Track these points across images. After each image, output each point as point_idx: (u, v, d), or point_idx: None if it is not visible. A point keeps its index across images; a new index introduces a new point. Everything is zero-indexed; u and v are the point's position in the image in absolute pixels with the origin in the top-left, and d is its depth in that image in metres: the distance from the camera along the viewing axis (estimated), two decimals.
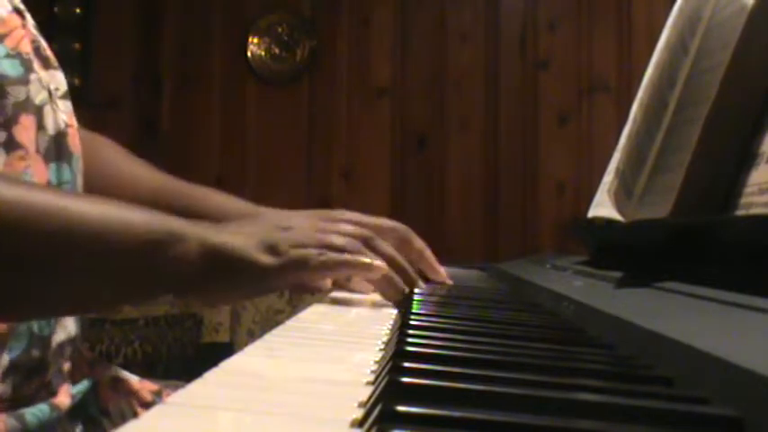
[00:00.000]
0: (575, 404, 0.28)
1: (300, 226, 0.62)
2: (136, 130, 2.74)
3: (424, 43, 2.79)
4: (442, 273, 0.79)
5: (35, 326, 0.59)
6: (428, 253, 0.78)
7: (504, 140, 2.75)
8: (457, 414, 0.25)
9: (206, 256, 0.54)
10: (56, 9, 2.79)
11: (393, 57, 2.79)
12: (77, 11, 2.81)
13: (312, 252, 0.59)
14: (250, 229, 0.59)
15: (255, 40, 2.83)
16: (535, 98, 2.74)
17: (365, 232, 0.65)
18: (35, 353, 0.59)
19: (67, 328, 0.64)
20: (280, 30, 2.83)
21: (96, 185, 0.77)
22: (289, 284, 0.61)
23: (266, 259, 0.57)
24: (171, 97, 2.85)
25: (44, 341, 0.60)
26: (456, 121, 2.76)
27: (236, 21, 2.84)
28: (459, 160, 2.75)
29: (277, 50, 2.82)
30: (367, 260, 0.62)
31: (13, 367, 0.57)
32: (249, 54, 2.83)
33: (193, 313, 2.57)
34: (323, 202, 2.69)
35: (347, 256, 0.61)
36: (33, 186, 0.55)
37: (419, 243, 0.77)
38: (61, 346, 0.62)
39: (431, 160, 2.76)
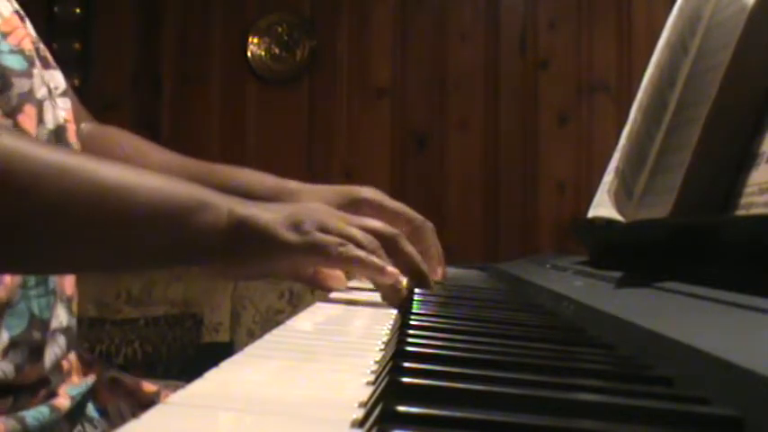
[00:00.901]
0: (575, 404, 0.28)
1: (328, 214, 0.63)
2: (136, 130, 2.72)
3: (424, 43, 2.79)
4: (440, 273, 0.79)
5: (35, 307, 0.60)
6: (435, 250, 0.79)
7: (504, 140, 2.75)
8: (457, 414, 0.25)
9: (233, 226, 0.55)
10: (56, 9, 2.79)
11: (393, 57, 2.79)
12: (77, 11, 2.81)
13: (333, 240, 0.59)
14: (278, 207, 0.61)
15: (255, 40, 2.83)
16: (535, 98, 2.74)
17: (391, 231, 0.65)
18: (36, 335, 0.60)
19: (59, 316, 0.64)
20: (280, 30, 2.83)
21: None
22: (307, 266, 0.62)
23: (290, 236, 0.57)
24: (171, 97, 2.84)
25: (44, 324, 0.61)
26: (456, 121, 2.76)
27: (236, 21, 2.84)
28: (459, 160, 2.75)
29: (277, 50, 2.82)
30: (381, 263, 0.61)
31: (13, 345, 0.58)
32: (249, 54, 2.83)
33: (193, 313, 2.57)
34: None
35: (365, 255, 0.60)
36: (70, 151, 0.56)
37: (431, 238, 0.78)
38: (54, 332, 0.63)
39: (431, 160, 2.76)
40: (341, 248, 0.59)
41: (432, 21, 2.79)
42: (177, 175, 0.80)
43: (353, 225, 0.62)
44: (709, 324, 0.39)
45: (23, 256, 0.52)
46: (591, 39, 2.71)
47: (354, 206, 0.77)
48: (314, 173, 2.77)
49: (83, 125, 0.83)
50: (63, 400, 0.62)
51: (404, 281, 0.64)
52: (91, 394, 0.69)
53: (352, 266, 0.62)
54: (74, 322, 0.67)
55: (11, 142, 0.48)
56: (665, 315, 0.44)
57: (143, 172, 0.55)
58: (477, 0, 2.77)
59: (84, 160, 0.52)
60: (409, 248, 0.65)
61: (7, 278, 0.58)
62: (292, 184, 0.81)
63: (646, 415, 0.27)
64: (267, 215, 0.57)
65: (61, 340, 0.64)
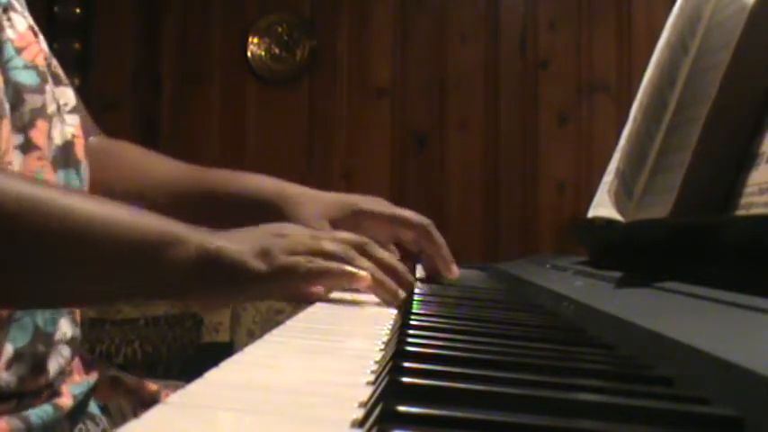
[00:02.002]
0: (575, 404, 0.28)
1: (295, 233, 0.63)
2: (136, 130, 2.73)
3: (424, 43, 2.79)
4: (456, 271, 0.81)
5: (39, 320, 0.61)
6: (446, 250, 0.81)
7: (504, 140, 2.75)
8: (457, 414, 0.25)
9: (202, 259, 0.55)
10: (56, 9, 2.79)
11: (393, 57, 2.79)
12: (77, 11, 2.81)
13: (301, 260, 0.59)
14: (246, 235, 0.60)
15: (255, 40, 2.83)
16: (535, 98, 2.74)
17: (359, 239, 0.65)
18: (40, 348, 0.60)
19: (63, 329, 0.64)
20: (280, 30, 2.83)
21: (126, 187, 0.79)
22: (280, 291, 0.62)
23: (259, 265, 0.57)
24: (171, 97, 2.84)
25: (48, 337, 0.61)
26: (456, 121, 2.76)
27: (236, 21, 2.84)
28: (459, 160, 2.75)
29: (277, 50, 2.82)
30: (351, 269, 0.61)
31: (18, 357, 0.58)
32: (249, 54, 2.83)
33: (193, 313, 2.57)
34: None
35: (332, 265, 0.61)
36: (38, 183, 0.57)
37: (439, 238, 0.80)
38: (59, 344, 0.63)
39: (431, 160, 2.76)
40: (309, 265, 0.59)
41: (432, 21, 2.79)
42: (179, 185, 0.81)
43: (321, 238, 0.63)
44: (710, 324, 0.39)
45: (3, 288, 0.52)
46: (591, 39, 2.71)
47: (354, 217, 0.77)
48: (314, 173, 2.77)
49: (91, 139, 0.83)
50: (66, 399, 0.62)
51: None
52: (92, 392, 0.69)
53: (324, 280, 0.62)
54: (78, 332, 0.67)
55: None
56: (665, 315, 0.44)
57: (114, 206, 0.54)
58: (477, 0, 2.77)
59: (56, 195, 0.52)
60: (380, 253, 0.65)
61: None
62: (292, 189, 0.81)
63: (646, 415, 0.27)
64: (235, 246, 0.57)
65: (65, 351, 0.64)
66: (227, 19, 2.85)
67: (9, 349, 0.58)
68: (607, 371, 0.35)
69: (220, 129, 2.83)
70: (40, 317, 0.61)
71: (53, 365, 0.62)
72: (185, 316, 2.56)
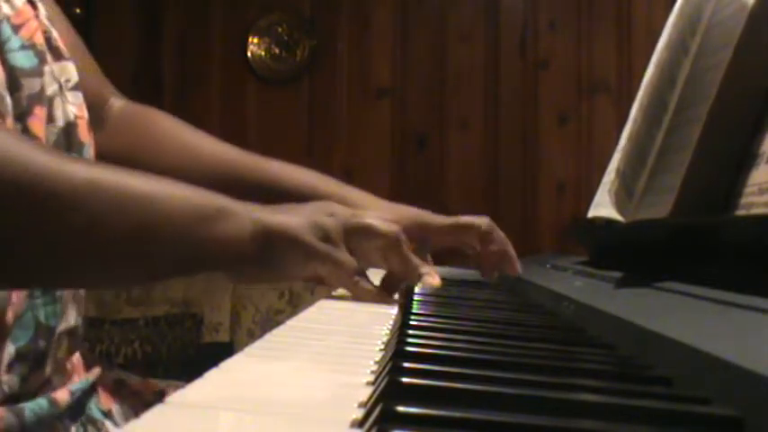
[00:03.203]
0: (575, 404, 0.28)
1: (343, 212, 0.65)
2: None
3: (424, 43, 2.79)
4: (518, 268, 0.83)
5: (41, 315, 0.60)
6: (510, 248, 0.83)
7: (504, 140, 2.74)
8: (457, 414, 0.25)
9: (257, 233, 0.56)
10: None
11: (393, 57, 2.79)
12: (77, 11, 2.81)
13: (352, 267, 0.62)
14: (298, 210, 0.62)
15: (255, 40, 2.83)
16: (535, 98, 2.74)
17: (394, 233, 0.66)
18: (41, 343, 0.60)
19: (69, 318, 0.64)
20: (280, 30, 2.83)
21: (164, 161, 0.78)
22: (321, 274, 0.63)
23: (316, 243, 0.59)
24: (171, 97, 2.84)
25: (50, 331, 0.61)
26: (456, 121, 2.76)
27: (236, 21, 2.84)
28: (459, 160, 2.75)
29: (277, 50, 2.82)
30: (382, 295, 0.66)
31: (19, 357, 0.57)
32: (249, 54, 2.83)
33: (193, 313, 2.57)
34: None
35: (368, 287, 0.65)
36: (99, 166, 0.56)
37: (502, 237, 0.82)
38: (60, 336, 0.63)
39: (431, 160, 2.76)
40: (353, 279, 0.63)
41: (432, 21, 2.79)
42: (230, 169, 0.80)
43: (365, 225, 0.64)
44: (709, 324, 0.39)
45: (56, 272, 0.51)
46: (591, 39, 2.71)
47: (419, 228, 0.79)
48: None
49: (112, 101, 0.80)
50: (63, 395, 0.61)
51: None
52: (94, 395, 0.68)
53: (353, 293, 0.65)
54: (80, 321, 0.66)
55: (45, 161, 0.47)
56: (665, 315, 0.44)
57: (166, 183, 0.54)
58: (477, 0, 2.77)
59: (111, 173, 0.52)
60: (408, 253, 0.67)
61: (14, 296, 0.57)
62: (356, 195, 0.82)
63: (646, 415, 0.27)
64: (293, 220, 0.59)
65: (64, 342, 0.63)
66: (227, 19, 2.85)
67: (11, 349, 0.57)
68: (607, 371, 0.35)
69: (220, 129, 2.82)
70: (42, 311, 0.60)
71: (51, 357, 0.61)
72: (185, 316, 2.56)
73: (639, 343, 0.39)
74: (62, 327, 0.62)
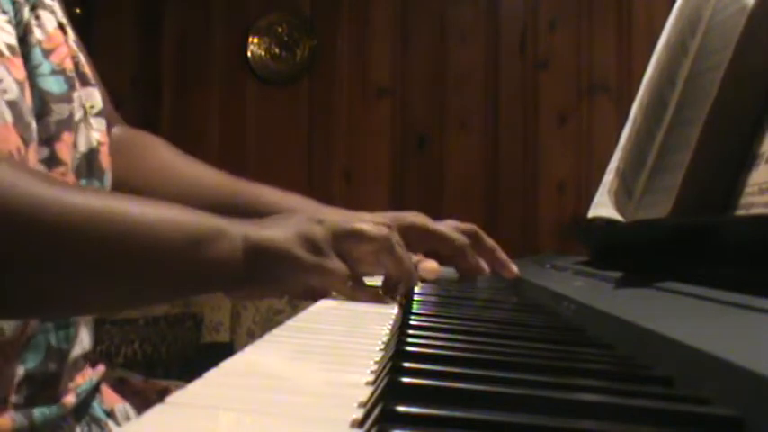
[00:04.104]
0: (575, 404, 0.28)
1: (331, 217, 0.64)
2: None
3: (424, 43, 2.79)
4: (514, 270, 0.86)
5: (53, 339, 0.60)
6: (499, 253, 0.86)
7: (504, 140, 2.75)
8: (457, 414, 0.25)
9: (249, 251, 0.56)
10: None
11: (393, 57, 2.79)
12: (77, 11, 2.81)
13: (343, 273, 0.61)
14: (286, 222, 0.61)
15: (255, 40, 2.83)
16: (535, 98, 2.74)
17: (387, 236, 0.66)
18: (51, 366, 0.59)
19: (83, 342, 0.64)
20: (280, 30, 2.83)
21: (153, 185, 0.78)
22: (314, 286, 0.63)
23: (305, 255, 0.59)
24: (171, 97, 2.84)
25: (62, 354, 0.61)
26: (456, 121, 2.76)
27: (236, 21, 2.84)
28: (460, 160, 2.75)
29: (277, 50, 2.82)
30: (381, 296, 0.66)
31: (28, 378, 0.57)
32: (249, 54, 2.83)
33: (193, 313, 2.57)
34: (323, 202, 2.69)
35: (364, 291, 0.65)
36: (96, 192, 0.56)
37: (490, 242, 0.86)
38: (76, 360, 0.63)
39: (431, 160, 2.76)
40: (347, 284, 0.62)
41: (432, 21, 2.79)
42: (213, 193, 0.81)
43: (353, 231, 0.64)
44: (710, 324, 0.39)
45: (53, 301, 0.51)
46: (591, 39, 2.71)
47: (401, 233, 0.78)
48: (314, 173, 2.77)
49: (114, 129, 0.81)
50: (70, 397, 0.62)
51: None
52: (97, 394, 0.69)
53: (351, 298, 0.65)
54: (92, 339, 0.67)
55: (40, 191, 0.47)
56: (665, 315, 0.44)
57: (155, 205, 0.54)
58: (478, 0, 2.77)
59: (108, 200, 0.52)
60: (402, 253, 0.67)
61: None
62: (329, 211, 0.82)
63: (646, 415, 0.27)
64: (281, 234, 0.59)
65: (80, 364, 0.64)
66: (227, 19, 2.85)
67: (20, 371, 0.57)
68: (607, 371, 0.35)
69: (220, 129, 2.83)
70: (54, 335, 0.60)
71: (63, 380, 0.61)
72: (185, 316, 2.56)
73: (639, 343, 0.39)
74: (77, 351, 0.63)
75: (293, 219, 0.62)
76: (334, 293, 0.69)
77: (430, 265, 0.78)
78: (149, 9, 2.88)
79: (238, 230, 0.57)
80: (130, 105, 2.80)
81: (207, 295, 2.50)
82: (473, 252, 0.83)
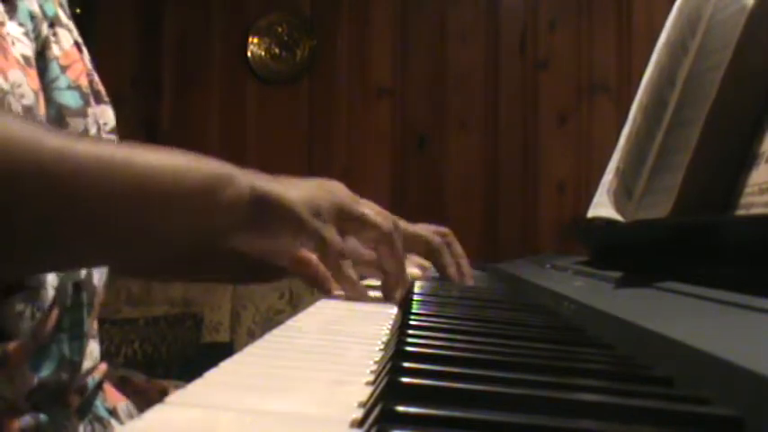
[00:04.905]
0: (575, 404, 0.28)
1: (340, 191, 0.65)
2: (136, 130, 2.74)
3: (424, 43, 2.79)
4: (467, 281, 0.85)
5: (66, 350, 0.60)
6: (466, 263, 0.86)
7: (504, 140, 2.75)
8: (457, 414, 0.25)
9: (254, 200, 0.57)
10: None
11: (393, 57, 2.79)
12: (77, 11, 2.81)
13: (339, 247, 0.62)
14: (296, 184, 0.62)
15: (255, 40, 2.83)
16: (535, 98, 2.74)
17: (389, 228, 0.67)
18: (64, 376, 0.60)
19: (93, 353, 0.65)
20: (280, 30, 2.83)
21: None
22: (308, 249, 0.63)
23: (308, 217, 0.60)
24: (171, 97, 2.85)
25: (74, 365, 0.61)
26: (456, 121, 2.76)
27: (236, 21, 2.84)
28: (460, 160, 2.75)
29: (277, 50, 2.82)
30: (361, 293, 0.66)
31: (40, 387, 0.58)
32: (249, 54, 2.83)
33: (193, 313, 2.57)
34: None
35: (353, 280, 0.65)
36: (102, 141, 0.56)
37: (459, 250, 0.87)
38: (88, 371, 0.64)
39: (431, 160, 2.76)
40: (339, 262, 0.63)
41: (432, 21, 2.79)
42: None
43: (359, 215, 0.65)
44: (710, 324, 0.39)
45: (68, 250, 0.52)
46: (591, 39, 2.72)
47: None
48: (314, 172, 2.77)
49: None
50: (74, 397, 0.62)
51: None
52: (100, 393, 0.69)
53: (339, 281, 0.65)
54: (99, 347, 0.67)
55: (53, 142, 0.48)
56: (665, 315, 0.44)
57: (167, 152, 0.55)
58: (478, 0, 2.77)
59: (118, 149, 0.52)
60: (399, 246, 0.68)
61: (42, 329, 0.57)
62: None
63: (646, 415, 0.27)
64: (289, 192, 0.60)
65: (92, 375, 0.64)
66: (227, 19, 2.85)
67: (34, 380, 0.57)
68: (607, 371, 0.35)
69: (220, 129, 2.83)
70: (67, 345, 0.60)
71: (72, 389, 0.62)
72: (185, 316, 2.56)
73: (639, 343, 0.39)
74: (88, 363, 0.63)
75: (305, 183, 0.63)
76: (334, 293, 0.69)
77: (414, 272, 0.79)
78: (149, 9, 2.88)
79: (248, 179, 0.58)
80: (130, 105, 2.81)
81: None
82: (456, 248, 0.87)
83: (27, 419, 0.57)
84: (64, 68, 0.62)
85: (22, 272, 0.55)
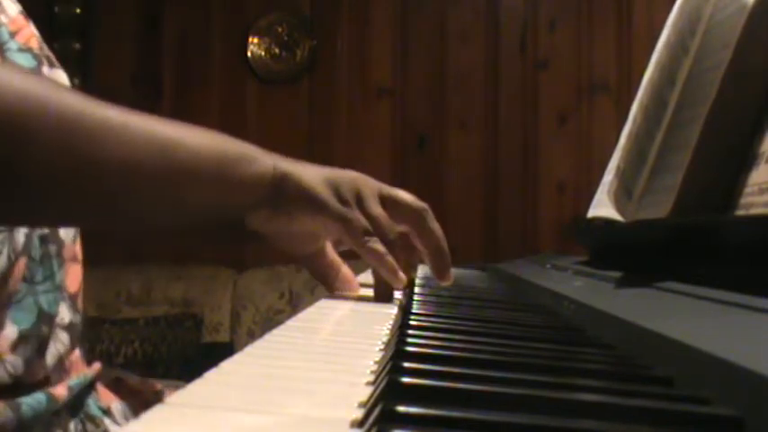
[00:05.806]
0: (575, 404, 0.28)
1: (365, 182, 0.65)
2: None
3: (424, 43, 2.79)
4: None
5: (43, 303, 0.61)
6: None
7: (504, 140, 2.75)
8: (457, 414, 0.25)
9: (276, 178, 0.59)
10: (56, 9, 2.79)
11: (393, 57, 2.79)
12: (77, 11, 2.81)
13: (365, 225, 0.61)
14: (315, 168, 0.64)
15: (255, 40, 2.83)
16: (535, 98, 2.74)
17: (419, 206, 0.68)
18: (44, 329, 0.61)
19: (62, 314, 0.65)
20: (280, 30, 2.83)
21: None
22: (327, 233, 0.64)
23: (329, 198, 0.61)
24: (171, 97, 2.84)
25: (51, 318, 0.62)
26: (456, 121, 2.76)
27: (236, 21, 2.84)
28: (460, 160, 2.75)
29: (277, 50, 2.82)
30: (396, 267, 0.63)
31: (23, 339, 0.59)
32: (249, 54, 2.83)
33: (193, 313, 2.57)
34: None
35: (385, 253, 0.62)
36: (127, 110, 0.57)
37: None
38: (57, 329, 0.64)
39: (431, 160, 2.76)
40: (362, 237, 0.62)
41: (432, 21, 2.79)
42: None
43: (384, 197, 0.65)
44: (710, 324, 0.39)
45: (90, 209, 0.53)
46: (591, 39, 2.71)
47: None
48: None
49: None
50: (61, 390, 0.62)
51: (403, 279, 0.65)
52: (92, 391, 0.69)
53: (367, 256, 0.63)
54: (78, 318, 0.67)
55: (81, 103, 0.50)
56: (665, 315, 0.44)
57: (191, 128, 0.57)
58: (477, 0, 2.77)
59: (141, 118, 0.53)
60: (435, 226, 0.68)
61: (11, 278, 0.58)
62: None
63: (646, 415, 0.27)
64: (309, 172, 0.61)
65: (64, 337, 0.64)
66: (227, 19, 2.85)
67: (14, 331, 0.58)
68: (607, 371, 0.35)
69: (220, 129, 2.81)
70: (44, 298, 0.61)
71: (51, 351, 0.62)
72: (185, 316, 2.56)
73: (639, 343, 0.39)
74: (58, 321, 0.64)
75: (328, 169, 0.65)
76: (335, 293, 0.69)
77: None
78: (149, 9, 2.88)
79: (270, 159, 0.59)
80: (130, 105, 2.80)
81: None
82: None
83: (7, 412, 0.56)
84: (13, 33, 0.63)
85: (51, 223, 0.58)
